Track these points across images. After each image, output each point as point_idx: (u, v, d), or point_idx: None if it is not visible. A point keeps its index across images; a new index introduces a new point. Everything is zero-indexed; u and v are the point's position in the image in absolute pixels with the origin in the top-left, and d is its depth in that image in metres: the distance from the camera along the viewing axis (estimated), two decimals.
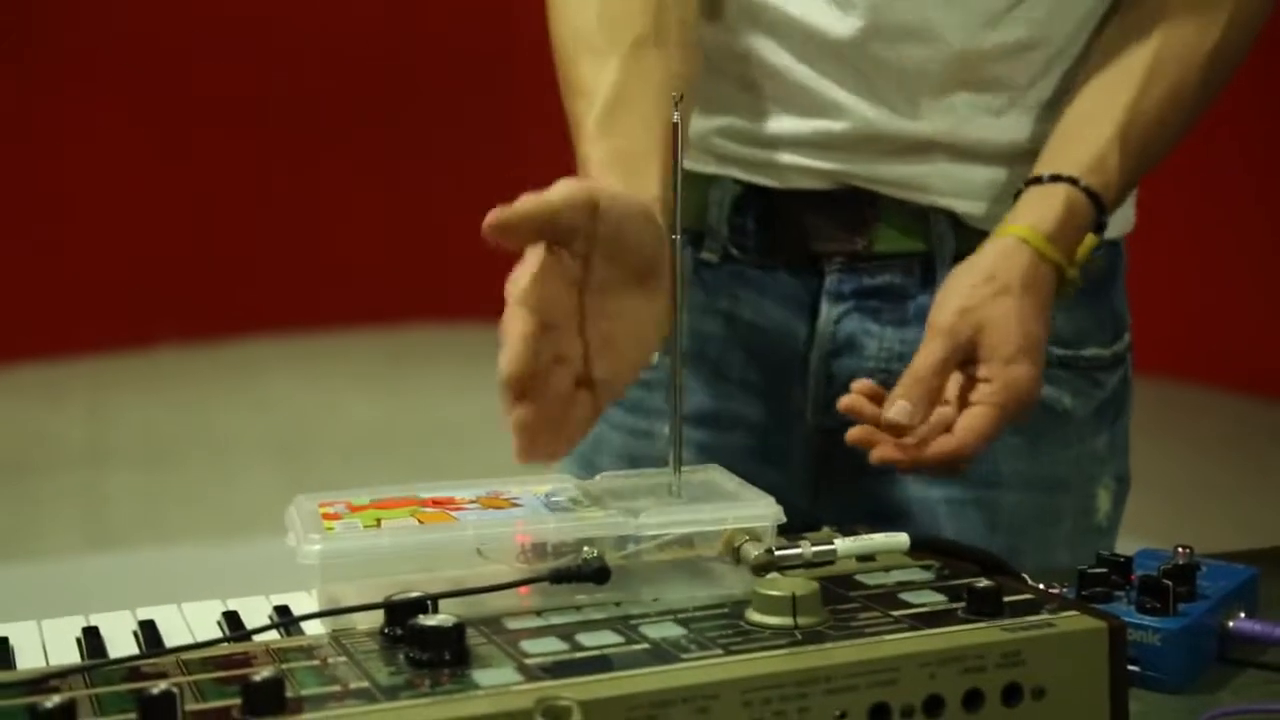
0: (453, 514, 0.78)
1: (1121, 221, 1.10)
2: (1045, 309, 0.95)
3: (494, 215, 0.76)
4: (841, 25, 1.01)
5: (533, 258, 0.78)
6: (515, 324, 0.76)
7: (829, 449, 1.08)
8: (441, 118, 5.69)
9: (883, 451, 0.91)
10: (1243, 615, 0.82)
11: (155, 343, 5.35)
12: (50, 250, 5.25)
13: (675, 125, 0.80)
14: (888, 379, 1.06)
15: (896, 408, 0.91)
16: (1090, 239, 0.98)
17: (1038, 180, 0.98)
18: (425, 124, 5.69)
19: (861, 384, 0.95)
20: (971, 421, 0.91)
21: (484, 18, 5.63)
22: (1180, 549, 0.84)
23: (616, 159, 0.87)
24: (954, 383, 0.93)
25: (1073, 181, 0.97)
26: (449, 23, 5.63)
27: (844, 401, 0.94)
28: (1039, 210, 0.97)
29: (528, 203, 0.77)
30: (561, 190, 0.78)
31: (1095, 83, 1.01)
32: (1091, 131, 0.99)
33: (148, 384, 5.04)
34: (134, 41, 5.26)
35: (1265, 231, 4.75)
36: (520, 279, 0.78)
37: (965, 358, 0.93)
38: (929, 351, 0.92)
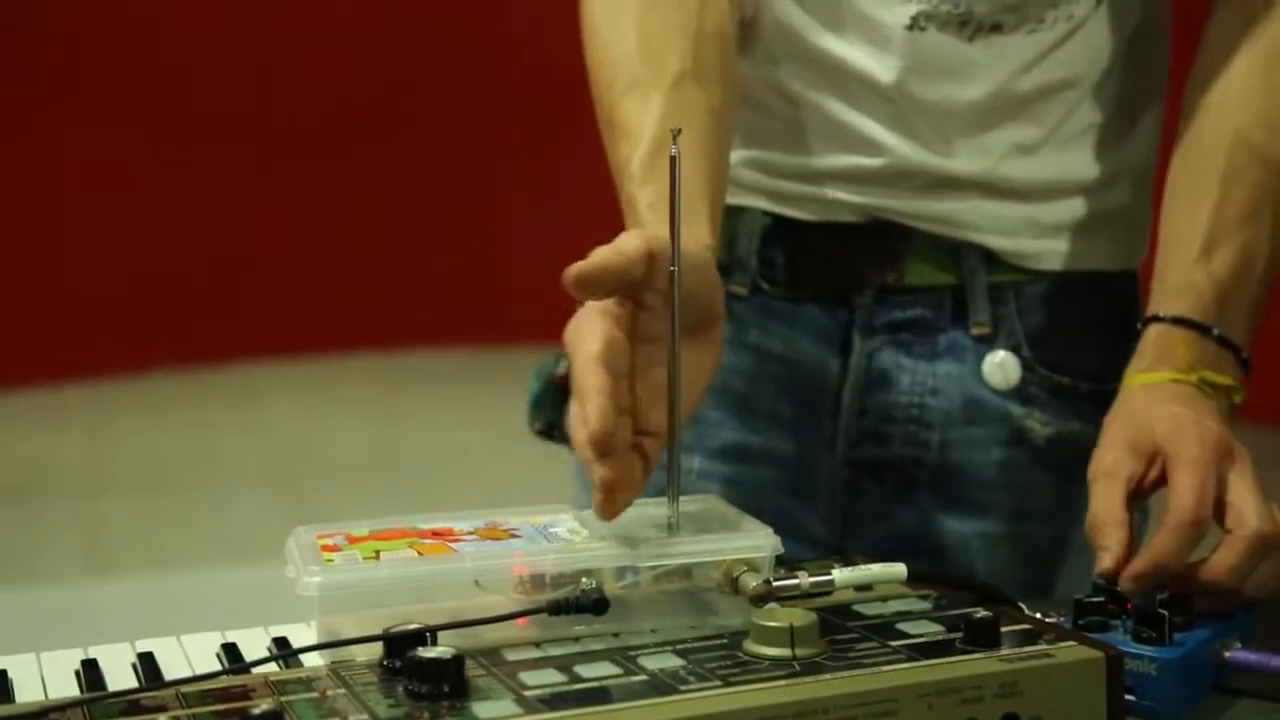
0: (451, 545, 0.79)
1: (1133, 253, 1.11)
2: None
3: (575, 270, 0.76)
4: (880, 64, 1.02)
5: (595, 309, 0.79)
6: (592, 378, 0.76)
7: (859, 483, 1.08)
8: (442, 143, 5.70)
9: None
10: (1239, 645, 0.82)
11: (153, 368, 5.35)
12: (48, 275, 5.26)
13: (674, 159, 0.80)
14: (921, 413, 1.07)
15: None
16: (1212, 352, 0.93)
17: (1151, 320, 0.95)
18: (424, 149, 5.70)
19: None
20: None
21: (483, 44, 5.64)
22: None
23: (664, 203, 0.85)
24: None
25: (1158, 319, 0.94)
26: (447, 47, 5.65)
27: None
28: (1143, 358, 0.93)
29: (605, 257, 0.77)
30: (634, 242, 0.78)
31: (1174, 195, 0.98)
32: (1176, 254, 0.96)
33: (146, 409, 5.04)
34: (133, 68, 5.27)
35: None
36: (590, 336, 0.78)
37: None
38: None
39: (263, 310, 5.56)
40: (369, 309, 5.71)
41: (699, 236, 0.86)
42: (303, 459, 4.57)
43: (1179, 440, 0.85)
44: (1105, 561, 0.82)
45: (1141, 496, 0.87)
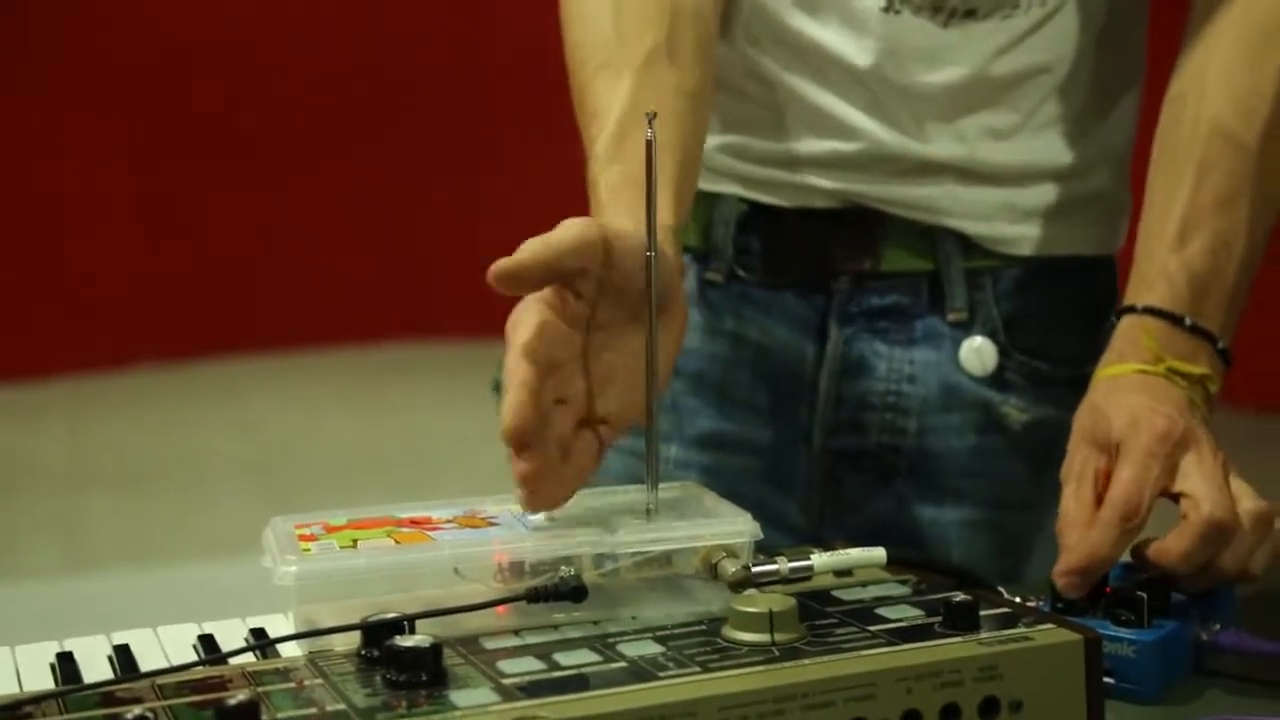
0: (429, 534, 0.78)
1: (1111, 238, 1.10)
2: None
3: (499, 266, 0.75)
4: (856, 47, 1.01)
5: (534, 299, 0.78)
6: (517, 372, 0.75)
7: (837, 471, 1.08)
8: (422, 134, 5.69)
9: None
10: (1218, 627, 0.82)
11: (133, 364, 5.33)
12: (31, 271, 5.23)
13: (649, 143, 0.79)
14: (898, 400, 1.06)
15: None
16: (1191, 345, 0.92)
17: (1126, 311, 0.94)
18: (405, 141, 5.68)
19: None
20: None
21: (466, 34, 5.63)
22: None
23: (627, 184, 0.86)
24: None
25: (1130, 309, 0.93)
26: (430, 39, 5.63)
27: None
28: (1113, 351, 0.93)
29: (533, 249, 0.76)
30: (567, 232, 0.77)
31: (1153, 186, 0.98)
32: (1149, 244, 0.95)
33: (126, 405, 5.02)
34: (115, 63, 5.25)
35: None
36: (522, 326, 0.77)
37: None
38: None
39: (245, 305, 5.55)
40: (352, 302, 5.70)
41: (659, 218, 0.85)
42: (286, 453, 4.56)
43: (1130, 430, 0.84)
44: (1063, 561, 0.81)
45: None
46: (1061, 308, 1.08)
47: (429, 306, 5.60)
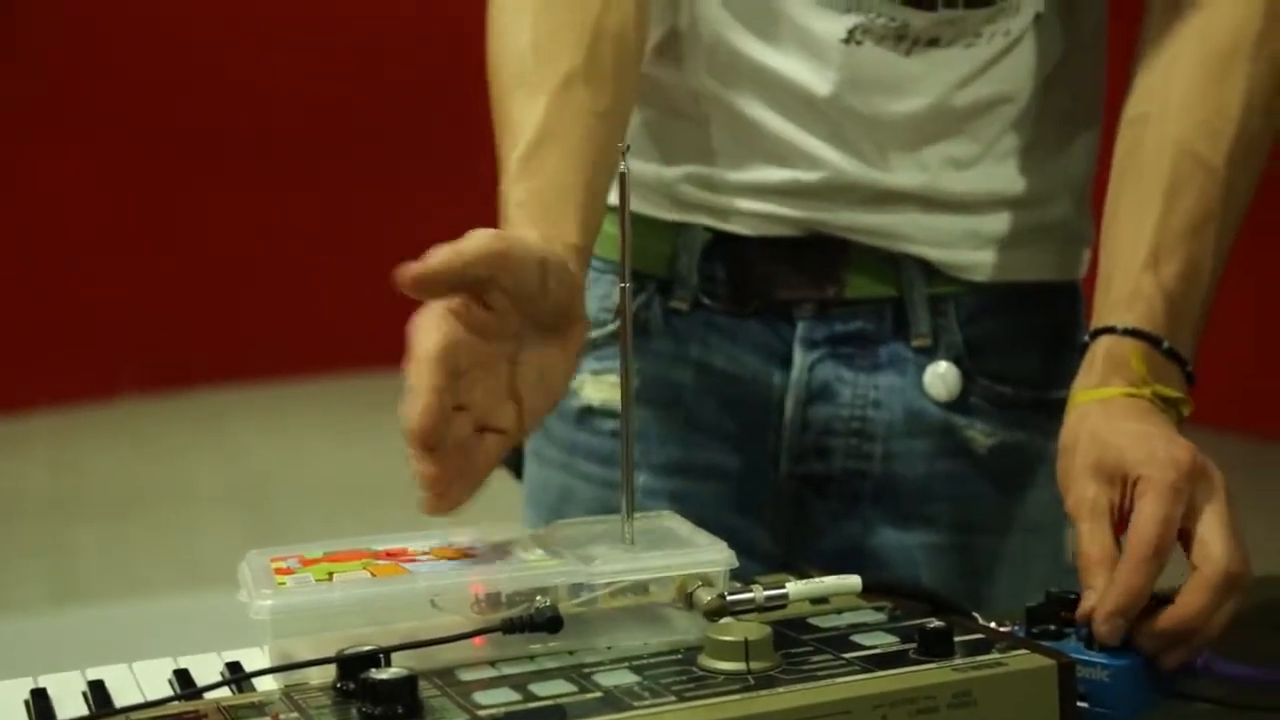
0: (405, 566, 0.78)
1: (1073, 265, 1.11)
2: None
3: (407, 270, 0.76)
4: (817, 78, 1.02)
5: (438, 306, 0.79)
6: (423, 377, 0.77)
7: (804, 497, 1.08)
8: (408, 164, 5.70)
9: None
10: None
11: (116, 394, 5.32)
12: (9, 302, 5.22)
13: (623, 175, 0.80)
14: (863, 425, 1.07)
15: None
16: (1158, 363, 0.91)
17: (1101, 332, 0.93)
18: (391, 171, 5.69)
19: None
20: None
21: (444, 67, 5.64)
22: None
23: (533, 201, 0.88)
24: None
25: (1109, 330, 0.92)
26: (407, 70, 5.64)
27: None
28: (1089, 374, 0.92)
29: (442, 257, 0.77)
30: (475, 242, 0.78)
31: (1117, 205, 0.97)
32: (1121, 265, 0.95)
33: (110, 436, 5.00)
34: (94, 94, 5.25)
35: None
36: (428, 331, 0.78)
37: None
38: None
39: (229, 335, 5.54)
40: (336, 332, 5.69)
41: (563, 234, 0.86)
42: (271, 483, 4.55)
43: (1151, 464, 0.82)
44: (1091, 600, 0.80)
45: (1124, 524, 0.84)
46: (1024, 333, 1.09)
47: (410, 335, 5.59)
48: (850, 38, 1.01)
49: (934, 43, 1.01)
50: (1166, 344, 0.91)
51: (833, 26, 1.01)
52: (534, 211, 0.86)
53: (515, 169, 0.90)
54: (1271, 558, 0.97)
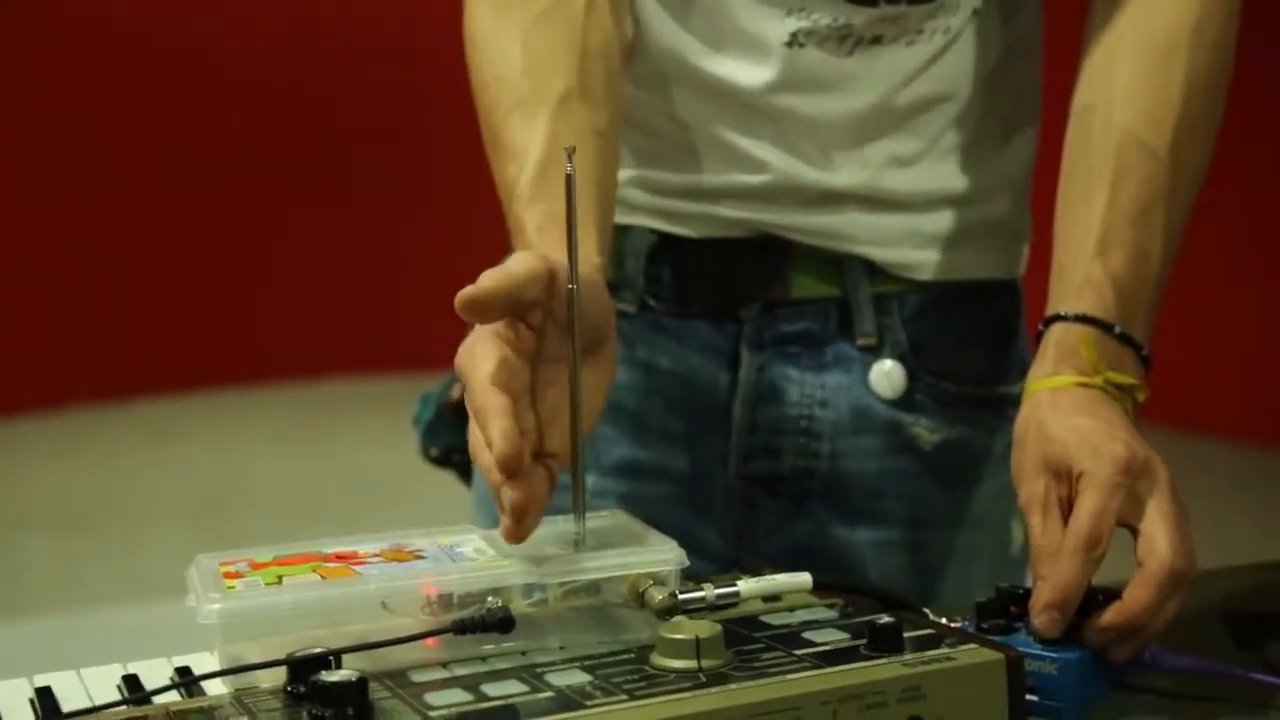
0: (355, 568, 0.78)
1: (1013, 263, 1.12)
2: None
3: (466, 294, 0.76)
4: (756, 78, 1.02)
5: (487, 331, 0.79)
6: (493, 400, 0.76)
7: (753, 496, 1.09)
8: (352, 170, 5.67)
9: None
10: None
11: (66, 404, 5.27)
12: None
13: (569, 178, 0.80)
14: (811, 424, 1.07)
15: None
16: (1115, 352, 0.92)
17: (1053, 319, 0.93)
18: (336, 177, 5.66)
19: None
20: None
21: (396, 71, 5.63)
22: None
23: (552, 222, 0.87)
24: None
25: (1059, 318, 0.93)
26: (360, 75, 5.62)
27: None
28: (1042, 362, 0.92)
29: (495, 278, 0.77)
30: (522, 265, 0.79)
31: (1067, 196, 0.98)
32: (1071, 253, 0.95)
33: (59, 446, 4.95)
34: (36, 103, 5.20)
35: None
36: (483, 358, 0.78)
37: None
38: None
39: (176, 343, 5.50)
40: (287, 338, 5.66)
41: (588, 257, 0.86)
42: (222, 493, 4.51)
43: (1091, 460, 0.83)
44: (1039, 597, 0.81)
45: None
46: (968, 330, 1.10)
47: (362, 342, 5.58)
48: (793, 40, 1.01)
49: (876, 41, 1.02)
50: (1118, 329, 0.92)
51: (775, 29, 1.01)
52: (555, 235, 0.85)
53: (527, 192, 0.89)
54: (1217, 552, 0.98)
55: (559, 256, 0.82)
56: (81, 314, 5.35)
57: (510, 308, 0.78)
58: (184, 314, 5.50)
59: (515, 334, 0.80)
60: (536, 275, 0.79)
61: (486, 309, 0.77)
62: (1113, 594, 0.81)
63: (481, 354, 0.78)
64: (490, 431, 0.75)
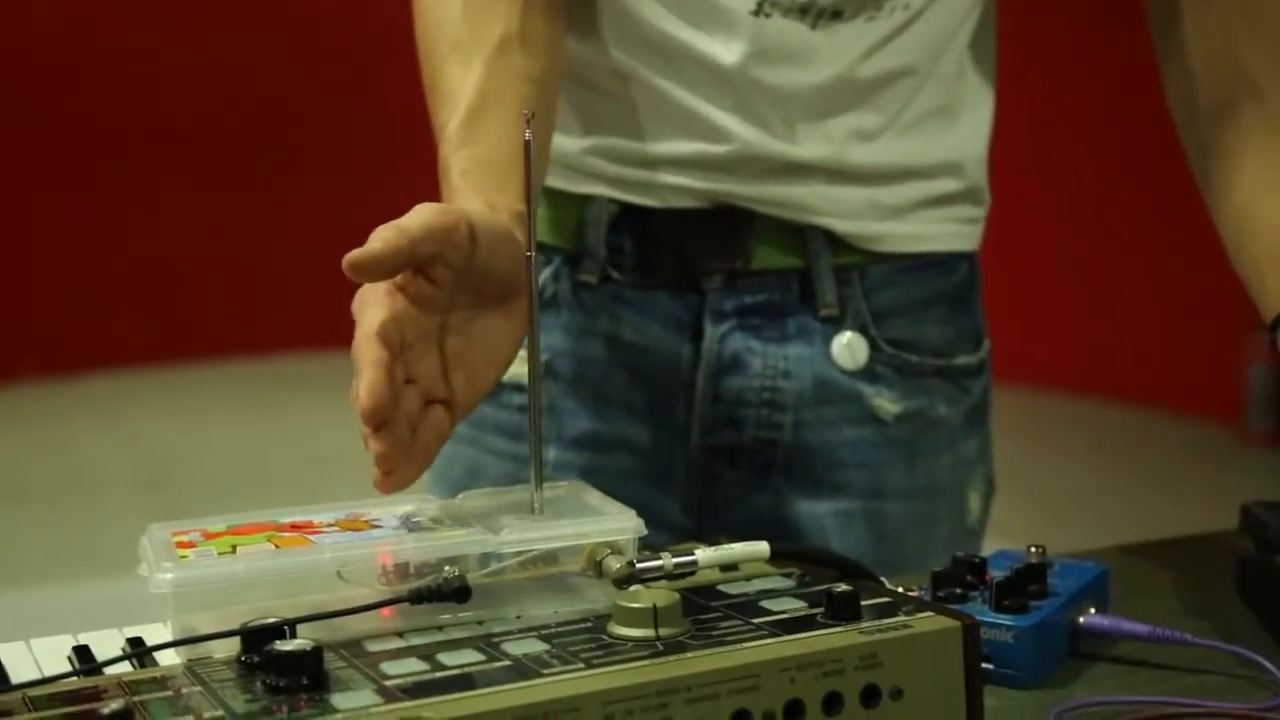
0: (310, 538, 0.77)
1: (972, 234, 1.13)
2: None
3: (353, 256, 0.75)
4: (724, 49, 1.02)
5: (383, 283, 0.78)
6: (368, 352, 0.75)
7: (715, 467, 1.09)
8: (304, 143, 5.63)
9: None
10: (1093, 611, 0.84)
11: (15, 378, 5.21)
12: None
13: (527, 143, 0.79)
14: (774, 395, 1.07)
15: None
16: None
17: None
18: (287, 151, 5.62)
19: None
20: None
21: (348, 45, 5.58)
22: (1033, 549, 0.86)
23: (477, 169, 0.87)
24: None
25: None
26: (311, 48, 5.58)
27: None
28: None
29: (385, 237, 0.76)
30: (420, 218, 0.77)
31: (1260, 188, 0.97)
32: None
33: (8, 421, 4.90)
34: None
35: (1116, 242, 4.90)
36: (372, 307, 0.77)
37: None
38: None
39: (126, 317, 5.45)
40: (239, 313, 5.62)
41: (508, 203, 0.85)
42: (173, 468, 4.48)
43: None
44: None
45: None
46: (927, 302, 1.10)
47: (315, 317, 5.54)
48: (759, 10, 1.01)
49: (838, 15, 1.02)
50: None
51: None
52: (478, 180, 0.85)
53: (456, 136, 0.89)
54: (1167, 522, 0.99)
55: (473, 205, 0.81)
56: (29, 290, 5.29)
57: (404, 264, 0.77)
58: (134, 288, 5.45)
59: (410, 284, 0.79)
60: (432, 230, 0.77)
61: (377, 269, 0.76)
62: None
63: (371, 303, 0.77)
64: (360, 383, 0.75)
